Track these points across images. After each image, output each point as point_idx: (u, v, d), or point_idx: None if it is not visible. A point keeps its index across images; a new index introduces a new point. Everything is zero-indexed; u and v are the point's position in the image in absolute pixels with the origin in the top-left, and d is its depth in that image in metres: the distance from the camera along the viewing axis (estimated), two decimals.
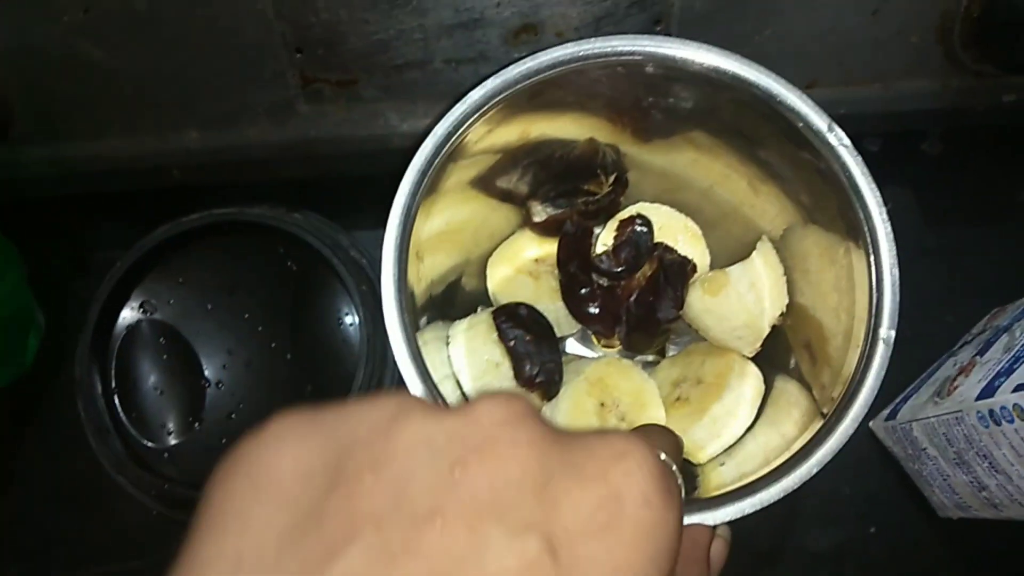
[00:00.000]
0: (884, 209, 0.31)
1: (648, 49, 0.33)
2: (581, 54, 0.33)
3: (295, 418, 0.18)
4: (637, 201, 0.43)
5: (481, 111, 0.33)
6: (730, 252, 0.41)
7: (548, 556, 0.15)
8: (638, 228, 0.40)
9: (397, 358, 0.30)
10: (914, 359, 0.48)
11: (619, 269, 0.39)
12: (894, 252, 0.31)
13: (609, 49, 0.33)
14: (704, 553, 0.26)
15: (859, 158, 0.32)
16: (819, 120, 0.32)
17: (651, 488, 0.17)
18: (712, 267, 0.42)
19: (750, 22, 0.41)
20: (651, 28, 0.41)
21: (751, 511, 0.29)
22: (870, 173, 0.32)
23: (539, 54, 0.33)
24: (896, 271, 0.31)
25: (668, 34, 0.41)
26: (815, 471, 0.29)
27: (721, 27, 0.41)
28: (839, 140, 0.32)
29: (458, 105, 0.32)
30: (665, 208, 0.42)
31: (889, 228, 0.31)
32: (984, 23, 0.40)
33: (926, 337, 0.48)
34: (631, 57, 0.34)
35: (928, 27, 0.42)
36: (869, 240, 0.31)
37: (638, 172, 0.42)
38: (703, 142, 0.39)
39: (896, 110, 0.46)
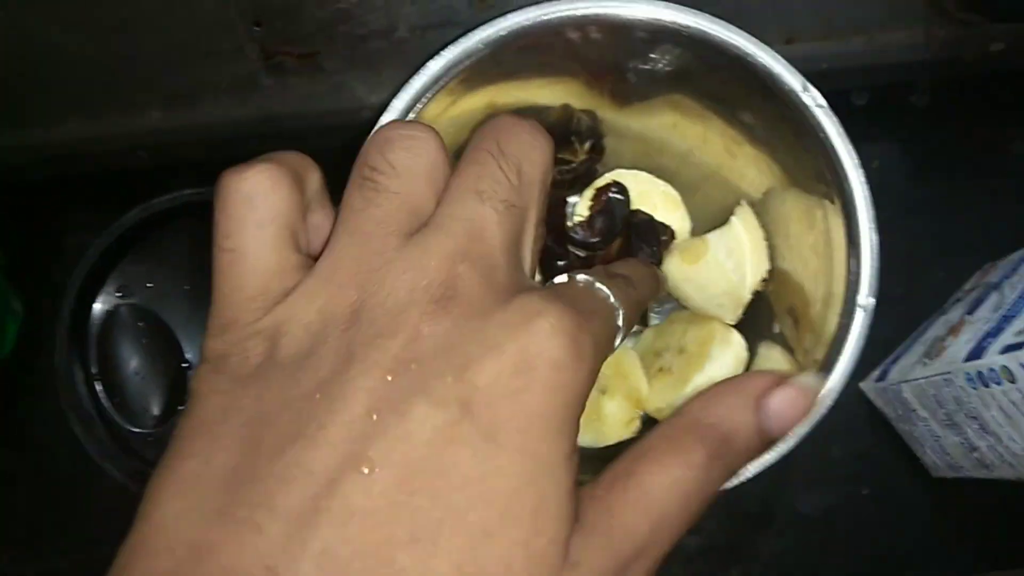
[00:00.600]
0: (861, 172, 0.30)
1: (614, 11, 0.32)
2: (545, 18, 0.32)
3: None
4: (614, 167, 0.41)
5: (441, 82, 0.32)
6: (711, 217, 0.40)
7: (468, 420, 0.17)
8: (613, 196, 0.38)
9: None
10: (905, 317, 0.47)
11: (595, 240, 0.38)
12: (872, 216, 0.30)
13: (576, 12, 0.32)
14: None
15: (835, 119, 0.30)
16: (793, 80, 0.31)
17: (561, 353, 0.18)
18: (693, 232, 0.41)
19: None
20: None
21: (745, 478, 0.28)
22: (846, 133, 0.31)
23: (499, 19, 0.31)
24: (875, 236, 0.30)
25: None
26: (803, 433, 0.28)
27: None
28: (814, 100, 0.30)
29: (415, 77, 0.31)
30: (643, 174, 0.41)
31: (867, 191, 0.30)
32: None
33: (916, 294, 0.47)
34: (599, 18, 0.32)
35: None
36: (846, 203, 0.30)
37: (615, 137, 0.41)
38: (681, 105, 0.38)
39: (881, 63, 0.44)
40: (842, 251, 0.30)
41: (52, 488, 0.48)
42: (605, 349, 0.21)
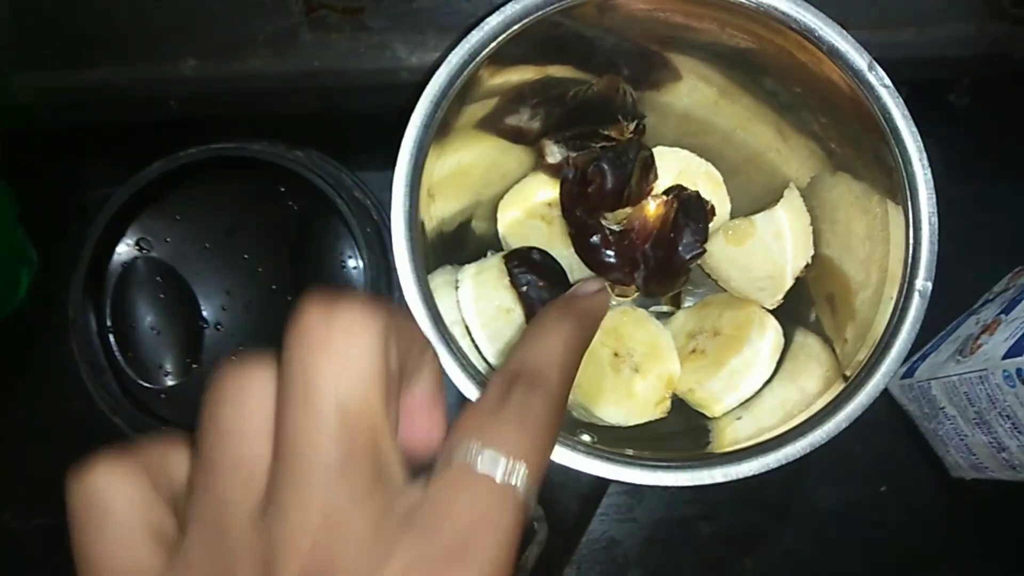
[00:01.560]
0: (924, 155, 0.29)
1: None
2: None
3: None
4: (656, 145, 0.41)
5: (498, 40, 0.31)
6: (752, 199, 0.39)
7: None
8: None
9: (408, 301, 0.28)
10: (933, 316, 0.46)
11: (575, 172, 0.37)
12: (934, 200, 0.29)
13: None
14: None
15: (900, 100, 0.30)
16: (859, 58, 0.30)
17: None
18: (733, 215, 0.40)
19: None
20: None
21: (776, 465, 0.28)
22: (911, 116, 0.30)
23: None
24: (936, 219, 0.29)
25: None
26: (844, 426, 0.28)
27: None
28: (880, 80, 0.30)
29: (474, 32, 0.31)
30: (684, 152, 0.40)
31: (929, 175, 0.29)
32: None
33: (946, 294, 0.46)
34: None
35: None
36: (907, 187, 0.29)
37: (657, 115, 0.40)
38: (727, 84, 0.37)
39: (928, 56, 0.44)
40: (899, 237, 0.30)
41: (60, 442, 0.47)
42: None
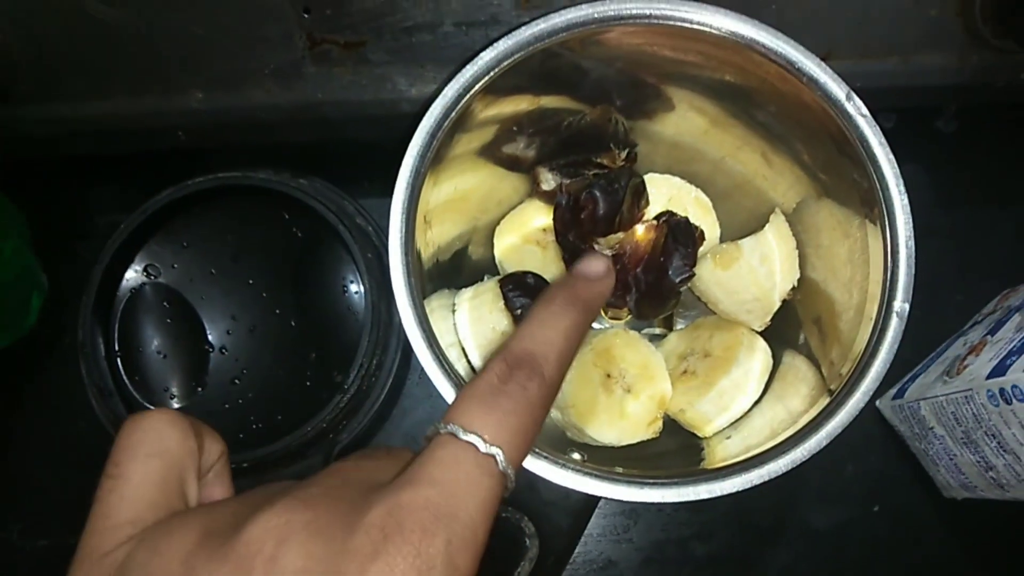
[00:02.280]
0: (901, 180, 0.31)
1: (665, 12, 0.32)
2: (597, 16, 0.33)
3: None
4: (647, 172, 0.42)
5: (492, 73, 0.33)
6: (740, 225, 0.40)
7: None
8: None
9: (404, 322, 0.29)
10: (923, 338, 0.48)
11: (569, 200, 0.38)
12: (911, 224, 0.30)
13: (625, 11, 0.33)
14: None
15: (877, 128, 0.31)
16: (837, 88, 0.31)
17: None
18: (722, 239, 0.41)
19: None
20: None
21: (759, 482, 0.28)
22: (888, 144, 0.31)
23: (553, 15, 0.32)
24: (912, 244, 0.30)
25: None
26: (824, 444, 0.28)
27: None
28: (857, 110, 0.31)
29: (468, 66, 0.32)
30: (675, 179, 0.42)
31: (906, 200, 0.30)
32: None
33: (935, 316, 0.48)
34: (646, 20, 0.33)
35: (949, 0, 0.41)
36: (885, 212, 0.31)
37: (648, 143, 0.42)
38: (717, 112, 0.38)
39: (913, 84, 0.45)
40: (878, 260, 0.31)
41: (67, 463, 0.48)
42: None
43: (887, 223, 0.30)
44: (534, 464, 0.29)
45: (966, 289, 0.49)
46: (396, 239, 0.30)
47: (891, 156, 0.31)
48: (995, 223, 0.51)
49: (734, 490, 0.29)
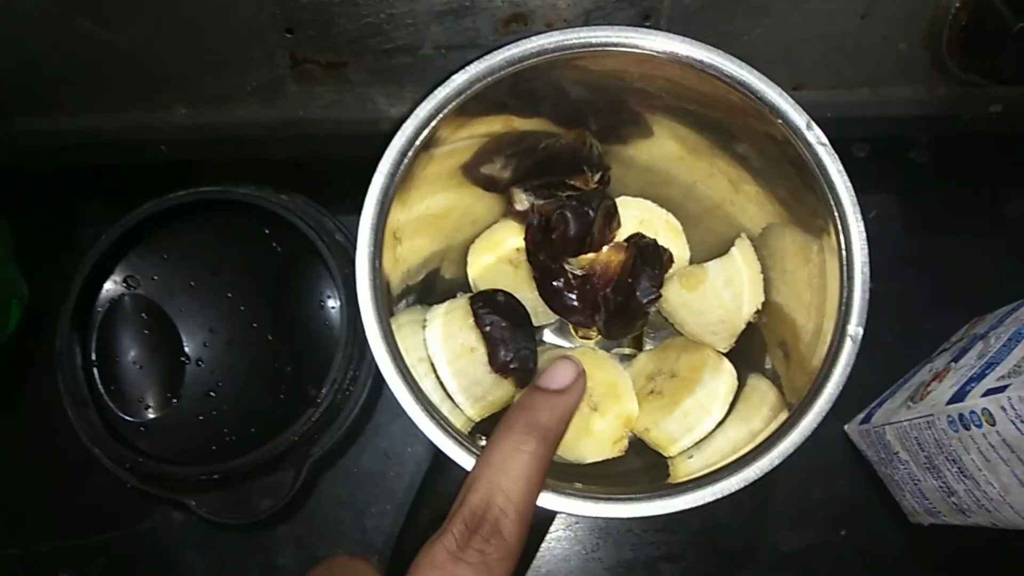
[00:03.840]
0: (858, 208, 0.31)
1: (632, 40, 0.33)
2: (566, 43, 0.34)
3: None
4: (620, 195, 0.43)
5: (463, 96, 0.33)
6: (710, 248, 0.41)
7: None
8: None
9: (368, 337, 0.30)
10: (893, 365, 0.48)
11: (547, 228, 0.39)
12: (866, 250, 0.31)
13: (594, 39, 0.33)
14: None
15: (835, 156, 0.32)
16: (798, 118, 0.32)
17: None
18: (692, 262, 0.42)
19: (739, 21, 0.41)
20: (641, 23, 0.41)
21: (711, 499, 0.29)
22: (846, 171, 0.32)
23: (523, 41, 0.33)
24: (867, 269, 0.31)
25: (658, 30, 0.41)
26: (776, 463, 0.29)
27: (710, 25, 0.41)
28: (817, 138, 0.32)
29: (440, 88, 0.33)
30: (647, 202, 0.43)
31: (862, 227, 0.31)
32: (971, 33, 0.41)
33: (905, 344, 0.48)
34: (615, 48, 0.34)
35: (917, 34, 0.42)
36: (842, 238, 0.31)
37: (622, 166, 0.42)
38: (688, 138, 0.39)
39: (883, 115, 0.46)
40: (835, 284, 0.31)
41: (41, 471, 0.48)
42: None
43: (844, 249, 0.31)
44: None
45: (936, 317, 0.50)
46: (364, 256, 0.31)
47: (849, 184, 0.31)
48: (966, 252, 0.52)
49: (687, 506, 0.29)
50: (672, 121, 0.39)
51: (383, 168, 0.32)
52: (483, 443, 0.29)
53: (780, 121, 0.32)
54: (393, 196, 0.32)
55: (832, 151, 0.32)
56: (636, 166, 0.42)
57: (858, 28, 0.41)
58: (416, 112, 0.33)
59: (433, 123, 0.33)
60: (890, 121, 0.46)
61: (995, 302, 0.47)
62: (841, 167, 0.32)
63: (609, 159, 0.42)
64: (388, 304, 0.32)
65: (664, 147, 0.41)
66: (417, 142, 0.33)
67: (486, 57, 0.33)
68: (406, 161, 0.32)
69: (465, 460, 0.29)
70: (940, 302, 0.50)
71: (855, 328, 0.30)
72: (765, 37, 0.41)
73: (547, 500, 0.29)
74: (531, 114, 0.38)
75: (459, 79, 0.33)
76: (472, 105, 0.34)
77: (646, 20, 0.41)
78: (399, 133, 0.32)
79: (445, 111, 0.33)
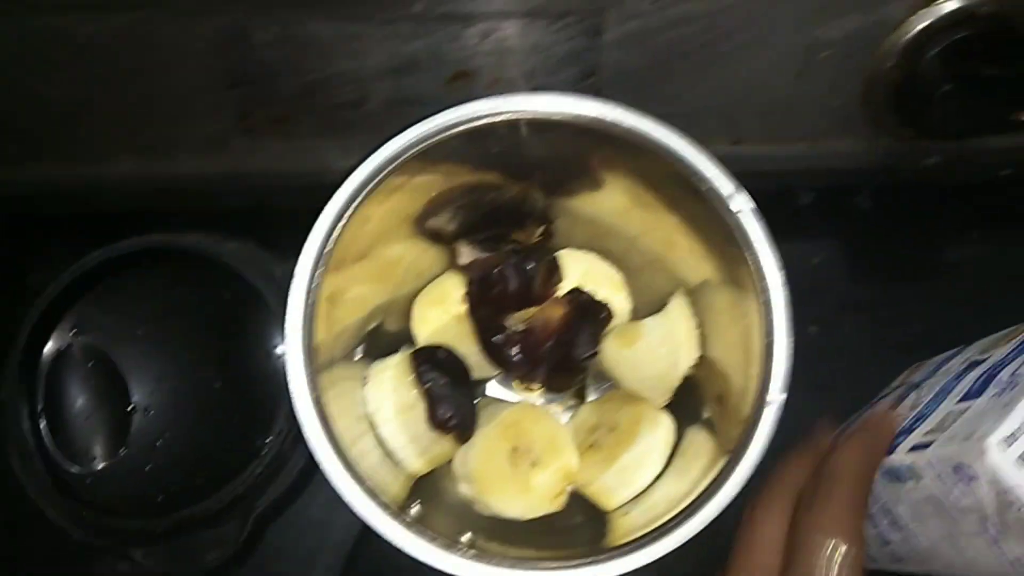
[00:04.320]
0: (782, 275, 0.32)
1: (570, 109, 0.34)
2: (502, 108, 0.34)
3: None
4: (565, 247, 0.43)
5: (403, 157, 0.34)
6: (651, 301, 0.42)
7: None
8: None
9: (296, 408, 0.30)
10: (834, 410, 0.49)
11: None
12: (788, 318, 0.32)
13: (534, 108, 0.34)
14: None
15: (760, 222, 0.32)
16: (724, 184, 0.33)
17: None
18: (634, 313, 0.43)
19: (678, 80, 0.42)
20: (582, 81, 0.42)
21: (647, 562, 0.30)
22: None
23: (458, 108, 0.34)
24: (790, 339, 0.31)
25: (598, 88, 0.42)
26: (710, 520, 0.30)
27: (650, 84, 0.42)
28: (741, 204, 0.33)
29: (377, 153, 0.33)
30: (591, 255, 0.43)
31: (785, 294, 0.32)
32: (903, 92, 0.42)
33: (847, 388, 0.49)
34: (553, 115, 0.34)
35: (853, 92, 0.43)
36: (766, 304, 0.32)
37: (568, 219, 0.43)
38: (635, 192, 0.40)
39: (823, 167, 0.47)
40: (759, 348, 0.32)
41: None
42: None
43: (767, 315, 0.32)
44: (415, 547, 0.29)
45: (879, 362, 0.50)
46: (295, 326, 0.31)
47: (774, 250, 0.32)
48: (910, 297, 0.53)
49: (622, 571, 0.30)
50: (620, 176, 0.39)
51: (317, 231, 0.33)
52: (413, 513, 0.30)
53: (706, 187, 0.33)
54: (329, 258, 0.33)
55: (757, 217, 0.32)
56: (582, 218, 0.43)
57: (795, 86, 0.42)
58: (354, 175, 0.33)
59: (369, 185, 0.33)
60: (831, 173, 0.48)
61: (937, 347, 0.48)
62: (766, 233, 0.32)
63: (555, 211, 0.43)
64: (321, 369, 0.32)
65: (612, 200, 0.41)
66: (353, 203, 0.33)
67: (422, 123, 0.34)
68: (339, 223, 0.33)
69: (396, 535, 0.30)
70: (883, 347, 0.51)
71: (777, 395, 0.31)
72: (704, 95, 0.42)
73: (478, 571, 0.29)
74: (479, 168, 0.39)
75: (397, 144, 0.34)
76: (413, 163, 0.35)
77: (588, 78, 0.42)
78: (334, 196, 0.33)
79: (381, 172, 0.34)
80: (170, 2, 0.38)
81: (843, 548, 0.32)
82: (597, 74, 0.42)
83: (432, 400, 0.37)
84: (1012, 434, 0.31)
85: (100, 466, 0.46)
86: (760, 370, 0.31)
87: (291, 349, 0.31)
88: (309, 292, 0.31)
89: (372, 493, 0.30)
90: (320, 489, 0.48)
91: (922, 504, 0.36)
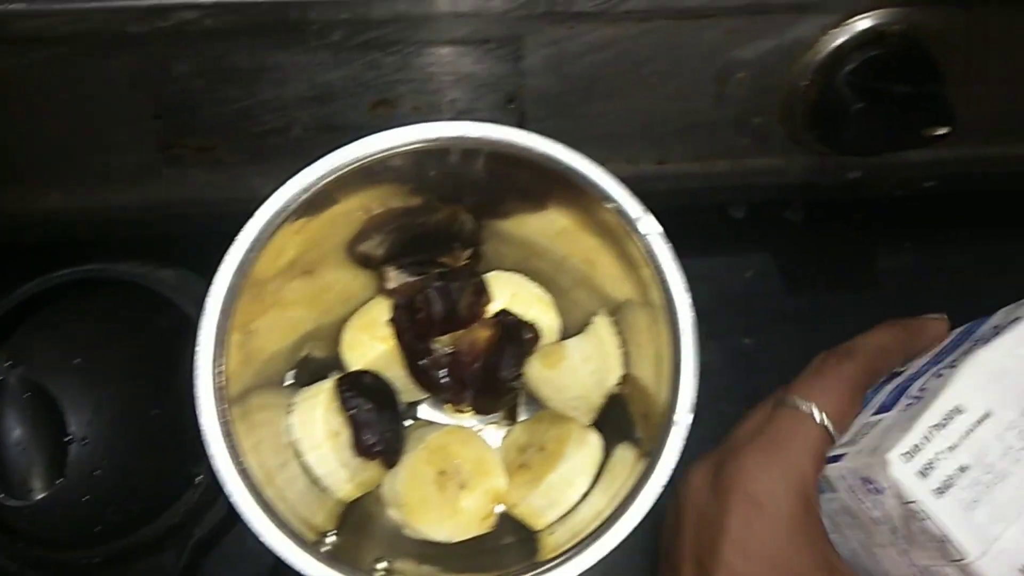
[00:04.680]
0: (688, 297, 0.33)
1: (485, 135, 0.34)
2: (425, 136, 0.35)
3: None
4: (495, 269, 0.44)
5: (319, 186, 0.34)
6: (581, 319, 0.42)
7: None
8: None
9: (205, 442, 0.30)
10: None
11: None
12: (696, 342, 0.32)
13: (441, 135, 0.35)
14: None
15: (668, 246, 0.33)
16: (633, 207, 0.34)
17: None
18: (563, 331, 0.43)
19: (597, 103, 0.42)
20: (505, 106, 0.43)
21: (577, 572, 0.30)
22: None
23: (368, 139, 0.34)
24: (696, 363, 0.32)
25: (522, 113, 0.43)
26: (612, 546, 0.30)
27: (570, 107, 0.42)
28: (649, 228, 0.33)
29: (293, 179, 0.34)
30: (519, 276, 0.44)
31: (692, 318, 0.32)
32: (819, 109, 0.43)
33: None
34: (472, 140, 0.35)
35: (771, 110, 0.44)
36: (674, 326, 0.33)
37: (498, 240, 0.43)
38: (553, 215, 0.40)
39: (748, 184, 0.48)
40: (669, 367, 0.33)
41: None
42: None
43: (675, 338, 0.32)
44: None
45: None
46: (205, 363, 0.31)
47: (682, 275, 0.33)
48: (842, 309, 0.54)
49: None
50: (543, 199, 0.40)
51: (225, 266, 0.33)
52: (328, 544, 0.30)
53: (617, 210, 0.34)
54: (239, 290, 0.33)
55: (664, 240, 0.33)
56: (510, 240, 0.44)
57: (713, 106, 0.43)
58: (269, 201, 0.34)
59: (282, 216, 0.34)
60: (757, 188, 0.48)
61: None
62: (673, 256, 0.33)
63: (484, 234, 0.43)
64: (235, 401, 0.32)
65: (538, 222, 0.41)
66: (265, 234, 0.34)
67: (336, 153, 0.34)
68: (249, 255, 0.33)
69: (303, 563, 0.30)
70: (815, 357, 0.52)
71: (684, 415, 0.31)
72: (626, 118, 0.43)
73: None
74: (405, 193, 0.39)
75: (309, 176, 0.34)
76: (335, 189, 0.35)
77: (509, 103, 0.43)
78: (244, 228, 0.33)
79: (296, 203, 0.34)
80: (89, 38, 0.38)
81: (815, 415, 0.35)
82: (519, 99, 0.43)
83: (357, 426, 0.38)
84: (914, 447, 0.32)
85: (39, 497, 0.46)
86: (668, 391, 0.32)
87: (200, 381, 0.31)
88: (220, 323, 0.32)
89: (284, 524, 0.30)
90: None
91: (840, 514, 0.37)
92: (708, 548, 0.33)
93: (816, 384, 0.36)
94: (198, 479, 0.44)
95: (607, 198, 0.34)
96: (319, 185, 0.34)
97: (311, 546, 0.30)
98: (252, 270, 0.33)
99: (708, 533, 0.34)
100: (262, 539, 0.30)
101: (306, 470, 0.37)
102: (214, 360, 0.31)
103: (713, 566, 0.33)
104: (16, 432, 0.47)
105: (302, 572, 0.29)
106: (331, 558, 0.30)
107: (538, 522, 0.39)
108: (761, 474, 0.33)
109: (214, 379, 0.31)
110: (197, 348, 0.31)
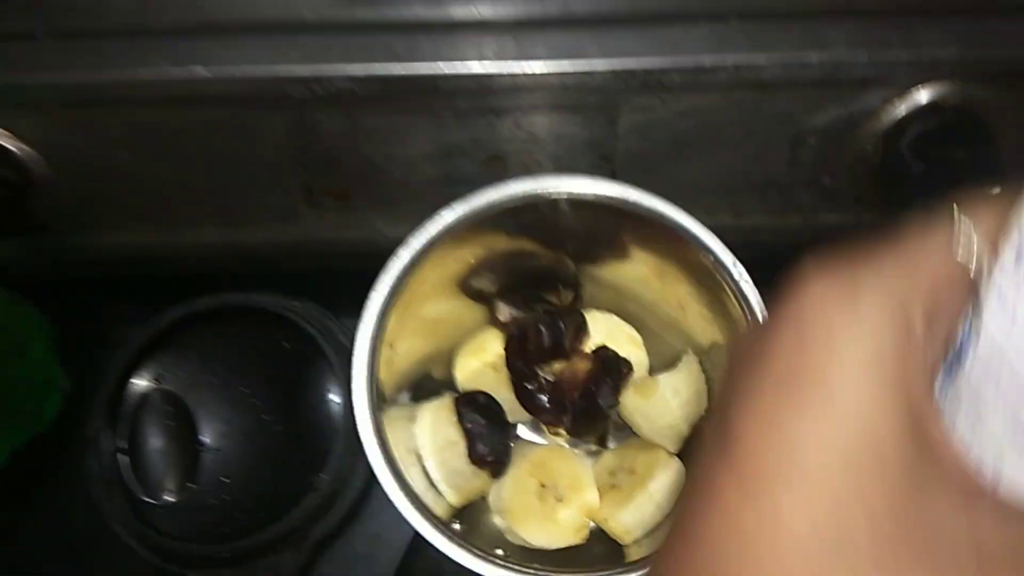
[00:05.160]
0: None
1: (595, 191, 0.40)
2: (537, 189, 0.41)
3: None
4: (591, 308, 0.49)
5: (447, 229, 0.40)
6: (668, 358, 0.47)
7: None
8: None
9: (361, 435, 0.36)
10: None
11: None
12: None
13: (559, 187, 0.40)
14: None
15: (755, 290, 0.38)
16: (725, 256, 0.39)
17: None
18: (651, 369, 0.48)
19: (681, 161, 0.48)
20: (600, 164, 0.48)
21: None
22: (765, 305, 0.38)
23: (501, 186, 0.40)
24: None
25: (613, 171, 0.48)
26: None
27: (657, 164, 0.48)
28: (740, 275, 0.38)
29: (430, 224, 0.39)
30: (614, 317, 0.49)
31: None
32: (884, 172, 0.47)
33: None
34: (580, 196, 0.41)
35: (840, 171, 0.49)
36: None
37: (594, 284, 0.49)
38: (653, 264, 0.46)
39: (819, 237, 0.52)
40: None
41: (66, 553, 0.54)
42: None
43: None
44: (459, 555, 0.35)
45: None
46: (361, 365, 0.37)
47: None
48: None
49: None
50: (639, 248, 0.45)
51: (380, 288, 0.39)
52: (457, 526, 0.35)
53: (712, 259, 0.39)
54: (389, 311, 0.39)
55: (752, 286, 0.38)
56: (606, 284, 0.49)
57: (787, 167, 0.48)
58: (409, 242, 0.40)
59: (422, 251, 0.39)
60: (824, 242, 0.53)
61: None
62: (760, 300, 0.38)
63: (583, 277, 0.49)
64: (381, 403, 0.38)
65: (632, 269, 0.47)
66: (409, 265, 0.39)
67: (469, 198, 0.40)
68: (398, 282, 0.39)
69: (442, 543, 0.35)
70: None
71: None
72: (704, 175, 0.48)
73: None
74: (516, 238, 0.45)
75: (447, 217, 0.40)
76: (462, 231, 0.41)
77: (605, 161, 0.48)
78: (394, 258, 0.39)
79: (433, 240, 0.40)
80: (256, 99, 0.45)
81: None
82: (613, 158, 0.48)
83: (472, 438, 0.43)
84: None
85: (173, 499, 0.51)
86: None
87: (357, 382, 0.36)
88: (374, 335, 0.37)
89: (423, 508, 0.35)
90: (366, 524, 0.54)
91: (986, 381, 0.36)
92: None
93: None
94: (318, 486, 0.49)
95: (704, 247, 0.39)
96: (461, 222, 0.39)
97: (445, 528, 0.35)
98: (402, 292, 0.39)
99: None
100: (404, 515, 0.35)
101: (426, 473, 0.43)
102: (369, 364, 0.37)
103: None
104: (156, 441, 0.53)
105: (440, 549, 0.34)
106: (461, 539, 0.35)
107: (626, 536, 0.43)
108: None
109: (368, 381, 0.37)
110: (355, 353, 0.37)
